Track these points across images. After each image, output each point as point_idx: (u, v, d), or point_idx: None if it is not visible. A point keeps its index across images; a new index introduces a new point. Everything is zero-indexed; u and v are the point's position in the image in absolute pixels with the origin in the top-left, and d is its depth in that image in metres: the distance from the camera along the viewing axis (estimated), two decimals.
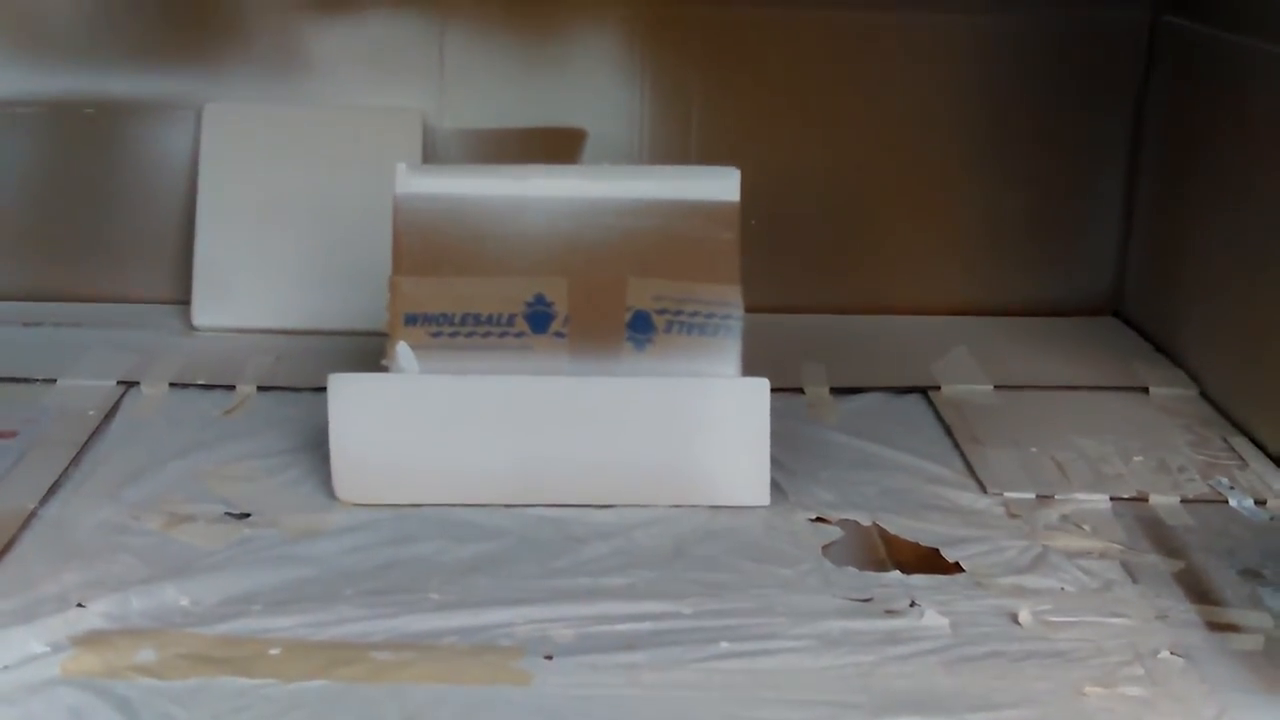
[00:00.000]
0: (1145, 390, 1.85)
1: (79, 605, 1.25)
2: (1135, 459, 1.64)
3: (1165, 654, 1.25)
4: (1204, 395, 1.83)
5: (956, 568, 1.39)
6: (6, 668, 1.17)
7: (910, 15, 2.03)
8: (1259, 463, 1.64)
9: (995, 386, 1.84)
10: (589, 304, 1.51)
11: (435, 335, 1.50)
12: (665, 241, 1.53)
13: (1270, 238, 1.69)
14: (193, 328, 1.95)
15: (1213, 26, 1.90)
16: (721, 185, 1.54)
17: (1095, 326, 2.09)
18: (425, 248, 1.52)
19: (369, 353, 1.57)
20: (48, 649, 1.19)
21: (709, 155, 1.98)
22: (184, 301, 1.98)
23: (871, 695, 1.17)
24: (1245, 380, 1.76)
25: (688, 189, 1.54)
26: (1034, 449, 1.65)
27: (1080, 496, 1.55)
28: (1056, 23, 2.05)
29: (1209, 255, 1.88)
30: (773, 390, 1.51)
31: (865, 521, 1.48)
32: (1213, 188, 1.87)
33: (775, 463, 1.53)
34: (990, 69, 2.06)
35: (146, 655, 1.19)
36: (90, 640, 1.21)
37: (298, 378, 1.77)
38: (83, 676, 1.16)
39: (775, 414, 1.52)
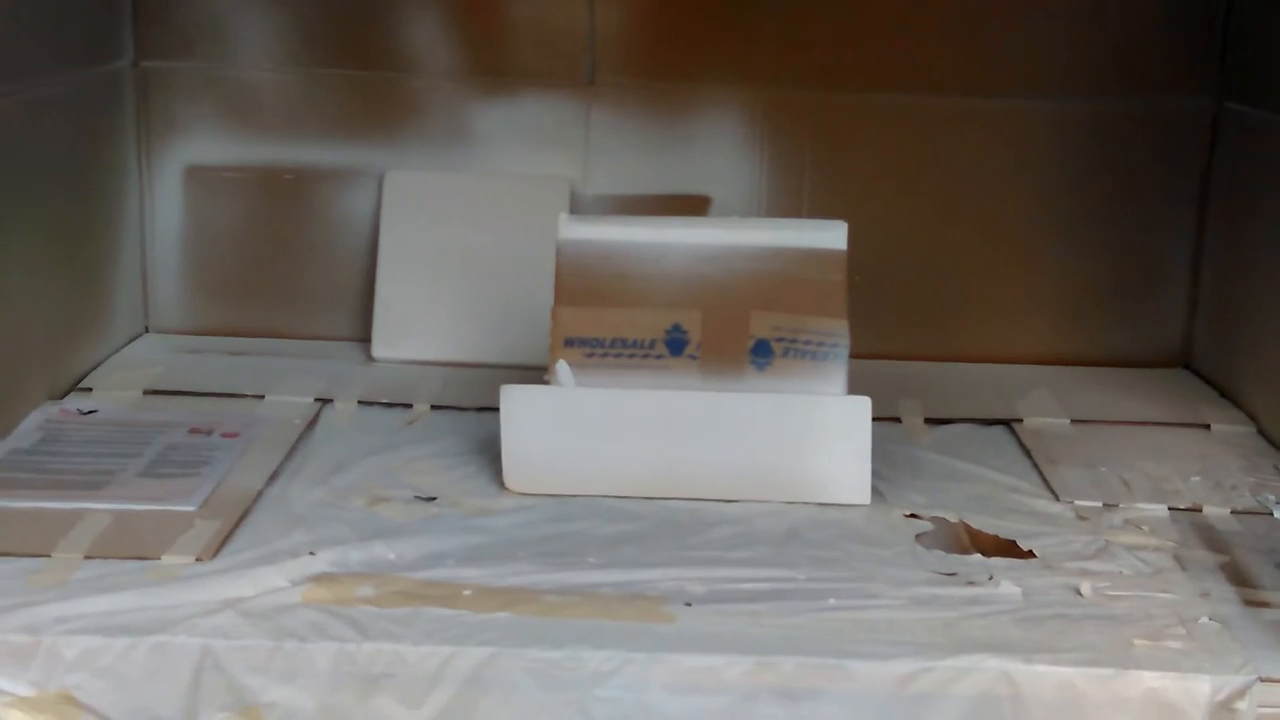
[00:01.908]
0: (1207, 427, 2.08)
1: (310, 553, 1.55)
2: (1193, 479, 1.87)
3: (1204, 619, 1.48)
4: (1260, 432, 2.06)
5: (1030, 554, 1.64)
6: (257, 596, 1.46)
7: (995, 101, 2.31)
8: None
9: (1072, 420, 2.08)
10: (718, 332, 1.80)
11: (589, 355, 1.79)
12: (783, 281, 1.81)
13: None
14: (372, 359, 2.27)
15: (1270, 111, 2.14)
16: (831, 235, 1.82)
17: (1166, 377, 2.33)
18: (581, 283, 1.81)
19: (522, 381, 1.81)
20: (288, 584, 1.49)
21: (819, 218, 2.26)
22: (364, 339, 2.30)
23: (952, 639, 1.42)
24: None
25: (803, 238, 1.82)
26: (1103, 469, 1.90)
27: (1141, 505, 1.78)
28: (1128, 108, 2.31)
29: (1270, 315, 2.11)
30: (874, 419, 1.77)
31: (952, 518, 1.73)
32: (1272, 254, 2.10)
33: (875, 473, 1.79)
34: (1068, 148, 2.33)
35: (366, 591, 1.48)
36: (321, 579, 1.50)
37: (464, 399, 2.07)
38: (319, 604, 1.45)
39: (875, 437, 1.78)
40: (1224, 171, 2.30)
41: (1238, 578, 1.59)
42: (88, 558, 1.53)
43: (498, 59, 2.33)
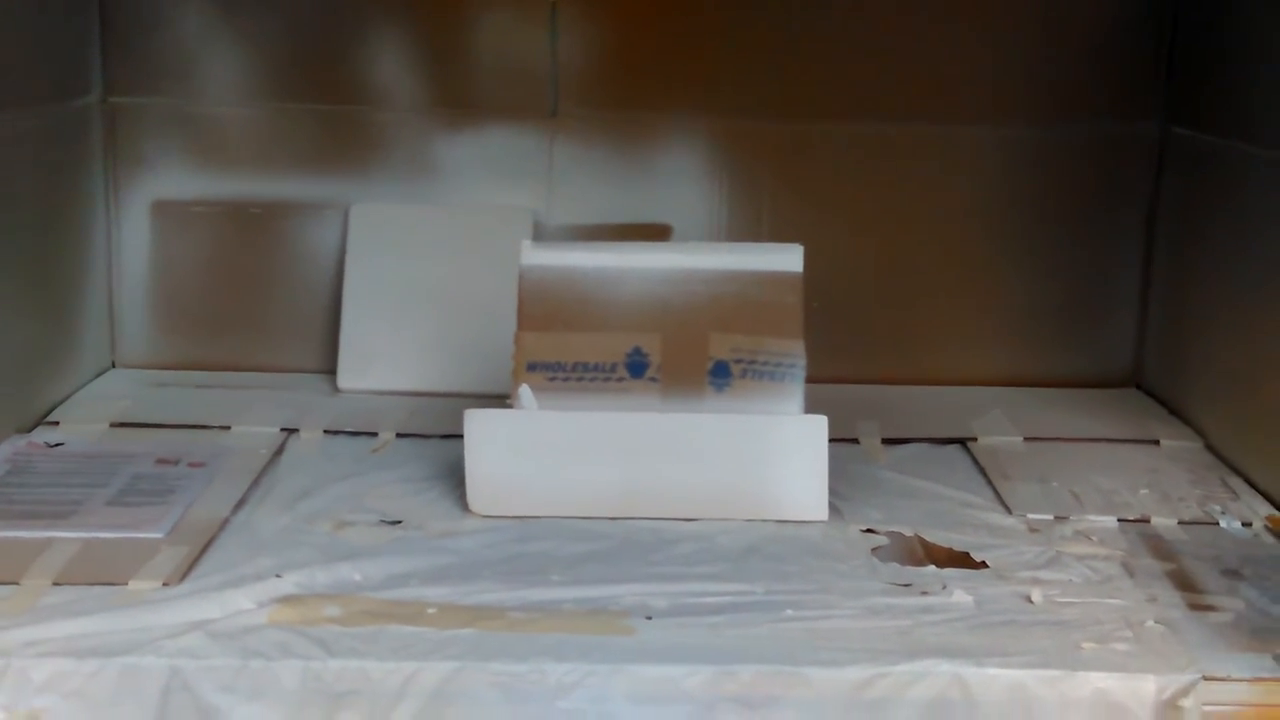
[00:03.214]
0: (1156, 442, 2.13)
1: (277, 576, 1.57)
2: (1142, 492, 1.92)
3: (1150, 623, 1.52)
4: (1208, 447, 2.11)
5: (983, 565, 1.68)
6: (223, 618, 1.48)
7: (947, 128, 2.37)
8: (1249, 496, 1.91)
9: (1025, 438, 2.13)
10: (678, 355, 1.84)
11: (551, 379, 1.83)
12: (741, 304, 1.85)
13: (1266, 318, 1.97)
14: (338, 390, 2.30)
15: (1214, 136, 2.20)
16: (787, 258, 1.86)
17: (1117, 396, 2.38)
18: (544, 308, 1.85)
19: (487, 409, 1.84)
20: (255, 606, 1.51)
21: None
22: (330, 371, 2.33)
23: (906, 645, 1.46)
24: (1242, 434, 2.04)
25: (760, 261, 1.86)
26: (1055, 483, 1.94)
27: (1091, 517, 1.83)
28: (1077, 133, 2.37)
29: (1216, 335, 2.16)
30: (831, 440, 1.81)
31: (908, 533, 1.77)
32: (1218, 276, 2.16)
33: (833, 491, 1.83)
34: (1019, 174, 2.39)
35: (333, 610, 1.50)
36: (288, 600, 1.53)
37: (428, 427, 2.10)
38: (285, 624, 1.47)
39: (833, 458, 1.82)
40: (1171, 195, 2.36)
41: (1184, 584, 1.64)
42: (56, 584, 1.54)
43: (462, 92, 2.37)
